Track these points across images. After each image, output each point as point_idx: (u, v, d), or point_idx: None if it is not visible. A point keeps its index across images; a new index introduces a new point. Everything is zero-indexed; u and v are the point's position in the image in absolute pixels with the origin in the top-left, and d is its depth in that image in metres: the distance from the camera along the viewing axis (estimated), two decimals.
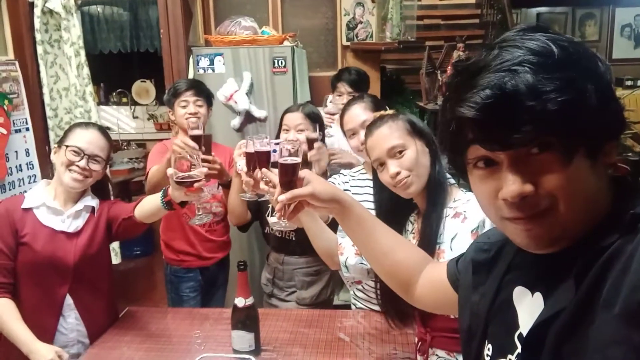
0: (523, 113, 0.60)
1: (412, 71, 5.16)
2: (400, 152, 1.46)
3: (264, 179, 1.21)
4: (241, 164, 1.72)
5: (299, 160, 1.13)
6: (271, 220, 2.23)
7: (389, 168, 1.46)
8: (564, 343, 0.63)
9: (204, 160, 1.89)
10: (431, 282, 1.05)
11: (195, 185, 1.63)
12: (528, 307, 0.73)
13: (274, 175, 1.16)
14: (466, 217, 1.44)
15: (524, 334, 0.71)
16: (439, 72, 4.11)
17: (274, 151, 1.38)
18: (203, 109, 2.42)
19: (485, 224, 1.40)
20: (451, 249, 1.43)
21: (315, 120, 2.18)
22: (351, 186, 2.04)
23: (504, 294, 0.78)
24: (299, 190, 1.05)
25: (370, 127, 1.56)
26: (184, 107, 2.39)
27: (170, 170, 1.64)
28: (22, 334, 1.65)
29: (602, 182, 0.66)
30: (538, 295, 0.71)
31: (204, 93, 2.45)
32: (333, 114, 2.56)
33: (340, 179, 2.09)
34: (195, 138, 2.02)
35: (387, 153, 1.46)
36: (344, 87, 2.84)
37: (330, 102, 2.63)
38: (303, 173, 1.08)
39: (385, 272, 1.11)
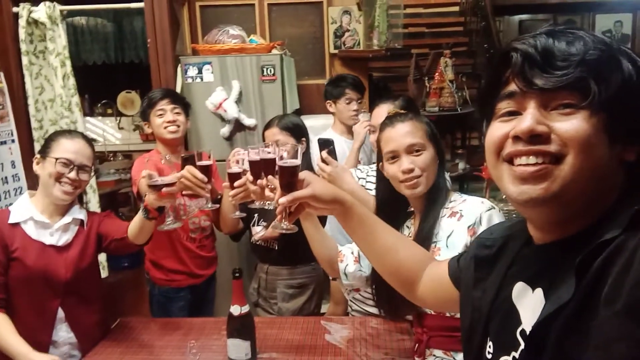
0: (563, 60, 0.65)
1: (398, 78, 5.20)
2: (418, 151, 1.51)
3: (269, 186, 1.20)
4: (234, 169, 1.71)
5: (298, 162, 1.13)
6: (255, 229, 2.25)
7: (403, 162, 1.50)
8: (567, 339, 0.62)
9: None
10: (433, 280, 1.05)
11: (164, 190, 1.61)
12: (529, 303, 0.72)
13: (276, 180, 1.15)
14: (462, 216, 1.48)
15: (527, 331, 0.70)
16: (426, 78, 4.13)
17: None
18: (181, 116, 2.34)
19: (482, 219, 1.43)
20: (447, 246, 1.46)
21: (294, 131, 2.20)
22: (367, 182, 2.09)
23: (505, 291, 0.78)
24: (299, 192, 1.04)
25: (391, 119, 1.59)
26: (161, 115, 2.30)
27: (144, 172, 1.63)
28: (19, 347, 1.61)
29: (614, 172, 0.67)
30: (539, 291, 0.71)
31: (180, 101, 2.38)
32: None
33: (357, 173, 2.14)
34: (203, 168, 1.78)
35: (406, 148, 1.51)
36: (353, 94, 2.84)
37: (371, 125, 2.35)
38: (303, 175, 1.08)
39: (388, 271, 1.11)
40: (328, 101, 2.91)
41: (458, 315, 0.92)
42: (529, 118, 0.67)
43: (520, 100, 0.69)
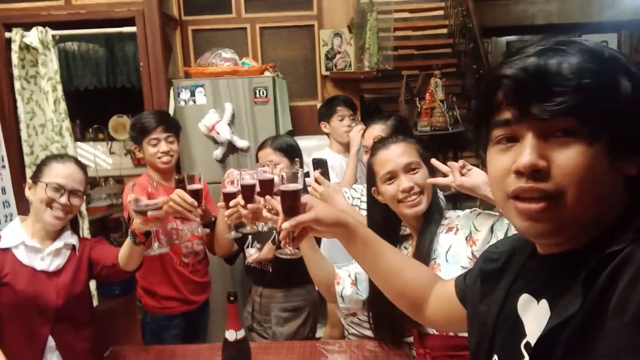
0: (559, 85, 0.62)
1: (390, 99, 5.24)
2: (414, 169, 1.53)
3: (267, 207, 1.19)
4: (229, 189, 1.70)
5: (300, 186, 1.12)
6: (249, 251, 2.22)
7: (402, 182, 1.50)
8: (573, 351, 0.62)
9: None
10: (441, 300, 1.04)
11: (150, 214, 1.59)
12: (534, 315, 0.72)
13: (277, 202, 1.14)
14: (458, 229, 1.49)
15: (532, 343, 0.70)
16: (417, 99, 4.17)
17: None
18: (175, 144, 2.31)
19: (475, 225, 1.45)
20: (447, 261, 1.47)
21: (288, 151, 2.20)
22: (362, 201, 2.08)
23: (510, 303, 0.77)
24: (302, 217, 1.03)
25: (384, 142, 1.60)
26: (155, 145, 2.26)
27: (130, 197, 1.61)
28: None
29: (617, 187, 0.66)
30: (544, 302, 0.70)
31: (173, 127, 2.33)
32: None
33: (351, 192, 2.14)
34: (193, 192, 1.78)
35: (404, 168, 1.52)
36: (345, 110, 2.87)
37: (364, 146, 2.34)
38: (305, 198, 1.06)
39: (394, 292, 1.09)
40: (322, 122, 2.93)
41: (461, 334, 0.91)
42: (530, 152, 0.65)
43: (517, 128, 0.67)
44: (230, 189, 1.67)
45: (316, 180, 1.89)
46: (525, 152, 0.65)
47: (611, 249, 0.61)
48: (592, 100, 0.62)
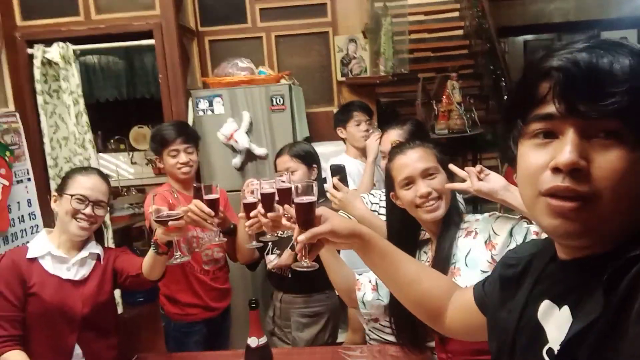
0: (611, 85, 0.60)
1: (406, 103, 5.24)
2: (432, 174, 1.52)
3: (286, 215, 1.20)
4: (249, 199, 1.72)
5: (314, 198, 1.12)
6: (269, 258, 2.25)
7: (419, 187, 1.50)
8: (597, 356, 0.61)
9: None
10: (460, 309, 1.03)
11: (170, 224, 1.62)
12: (556, 321, 0.71)
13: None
14: (477, 233, 1.49)
15: (554, 349, 0.69)
16: (434, 102, 4.16)
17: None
18: (194, 155, 2.35)
19: (494, 229, 1.45)
20: (466, 265, 1.47)
21: (305, 158, 2.22)
22: (380, 206, 2.08)
23: (531, 309, 0.76)
24: (318, 229, 1.03)
25: (401, 147, 1.60)
26: (175, 156, 2.30)
27: (151, 208, 1.64)
28: None
29: None
30: (565, 308, 0.69)
31: (192, 138, 2.37)
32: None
33: (369, 198, 2.14)
34: (210, 202, 1.80)
35: (421, 173, 1.52)
36: (361, 115, 2.87)
37: (382, 152, 2.35)
38: (320, 210, 1.06)
39: (412, 302, 1.08)
40: (339, 128, 2.94)
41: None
42: (572, 149, 0.62)
43: (559, 124, 0.65)
44: (250, 199, 1.69)
45: (334, 187, 1.90)
46: (567, 150, 0.62)
47: (633, 253, 0.60)
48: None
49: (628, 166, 0.61)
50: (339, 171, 1.96)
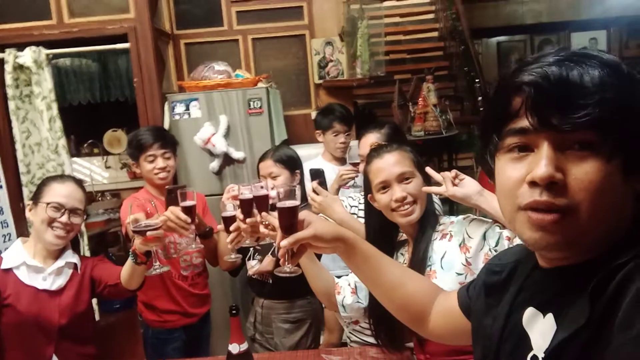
0: (582, 97, 0.61)
1: (383, 104, 5.27)
2: (408, 179, 1.54)
3: (264, 223, 1.20)
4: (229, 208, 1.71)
5: (297, 202, 1.12)
6: (250, 263, 2.24)
7: (395, 191, 1.52)
8: None
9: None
10: (443, 313, 1.03)
11: (149, 234, 1.61)
12: (540, 329, 0.71)
13: (273, 218, 1.14)
14: (452, 236, 1.51)
15: (539, 357, 0.69)
16: (410, 104, 4.20)
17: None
18: (171, 160, 2.33)
19: (469, 233, 1.47)
20: (442, 268, 1.49)
21: (288, 163, 2.21)
22: (359, 209, 2.09)
23: (515, 316, 0.77)
24: (301, 234, 1.02)
25: (378, 151, 1.62)
26: (152, 161, 2.28)
27: (129, 218, 1.62)
28: None
29: (628, 203, 0.65)
30: (550, 316, 0.70)
31: (170, 143, 2.35)
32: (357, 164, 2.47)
33: (349, 201, 2.15)
34: (186, 209, 1.80)
35: (397, 178, 1.53)
36: (340, 127, 2.85)
37: (360, 155, 2.32)
38: (303, 215, 1.06)
39: (397, 306, 1.09)
40: (317, 131, 2.94)
41: None
42: (547, 163, 0.63)
43: (533, 137, 0.65)
44: (229, 213, 1.68)
45: (314, 191, 1.91)
46: (542, 164, 0.63)
47: (617, 261, 0.61)
48: (614, 114, 0.61)
49: (604, 177, 0.62)
50: (318, 175, 1.97)
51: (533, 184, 0.65)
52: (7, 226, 2.95)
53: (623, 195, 0.64)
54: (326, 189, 1.96)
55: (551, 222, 0.64)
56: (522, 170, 0.67)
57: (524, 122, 0.65)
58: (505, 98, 0.68)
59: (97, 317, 3.11)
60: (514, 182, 0.68)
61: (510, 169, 0.69)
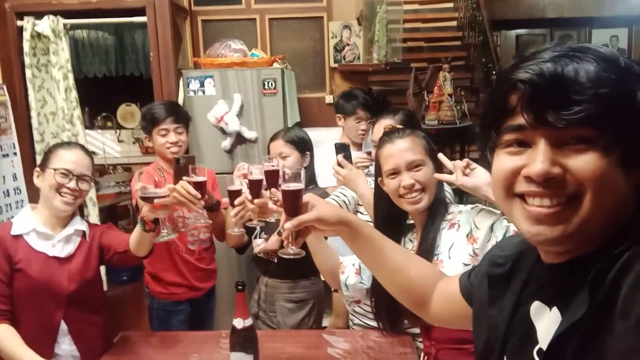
0: (577, 93, 0.61)
1: (397, 92, 5.22)
2: (417, 167, 1.53)
3: (273, 199, 1.20)
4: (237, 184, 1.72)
5: (302, 185, 1.12)
6: (256, 242, 2.25)
7: (403, 178, 1.51)
8: (584, 355, 0.62)
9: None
10: (445, 298, 1.04)
11: (156, 201, 1.63)
12: (546, 322, 0.71)
13: None
14: (460, 226, 1.51)
15: (544, 349, 0.69)
16: (425, 92, 4.17)
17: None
18: (183, 135, 2.34)
19: (475, 222, 1.46)
20: (449, 258, 1.49)
21: (298, 144, 2.22)
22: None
23: (522, 309, 0.77)
24: (304, 216, 1.03)
25: (390, 136, 1.60)
26: (164, 135, 2.29)
27: (137, 185, 1.64)
28: (28, 357, 1.60)
29: (628, 196, 0.65)
30: (555, 310, 0.70)
31: (183, 118, 2.36)
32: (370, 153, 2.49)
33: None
34: (197, 184, 1.78)
35: (407, 165, 1.52)
36: (363, 114, 2.83)
37: (373, 140, 2.32)
38: (307, 197, 1.06)
39: (399, 290, 1.09)
40: (338, 115, 2.91)
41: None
42: (543, 159, 0.63)
43: (530, 134, 0.66)
44: (234, 186, 1.69)
45: (339, 164, 1.92)
46: (538, 160, 0.63)
47: (615, 251, 0.61)
48: (610, 109, 0.60)
49: (603, 168, 0.62)
50: (343, 149, 1.99)
51: (529, 179, 0.65)
52: (20, 193, 2.99)
53: (623, 188, 0.64)
54: (351, 162, 1.97)
55: (549, 215, 0.65)
56: (519, 162, 0.67)
57: (521, 119, 0.66)
58: (502, 95, 0.68)
59: (105, 288, 3.16)
60: (510, 171, 0.68)
61: (507, 161, 0.69)
